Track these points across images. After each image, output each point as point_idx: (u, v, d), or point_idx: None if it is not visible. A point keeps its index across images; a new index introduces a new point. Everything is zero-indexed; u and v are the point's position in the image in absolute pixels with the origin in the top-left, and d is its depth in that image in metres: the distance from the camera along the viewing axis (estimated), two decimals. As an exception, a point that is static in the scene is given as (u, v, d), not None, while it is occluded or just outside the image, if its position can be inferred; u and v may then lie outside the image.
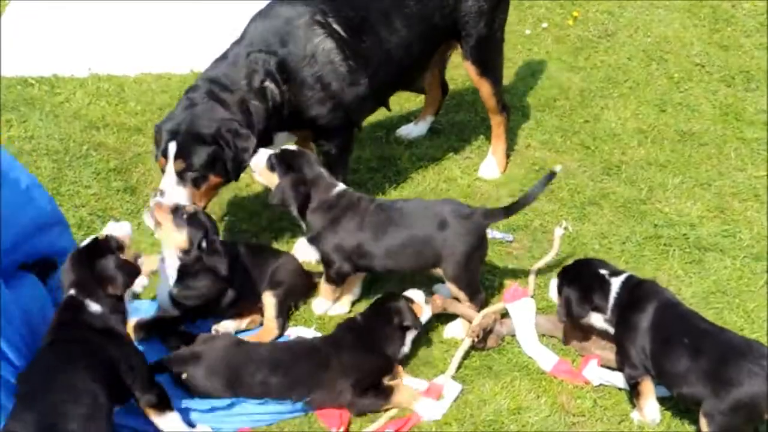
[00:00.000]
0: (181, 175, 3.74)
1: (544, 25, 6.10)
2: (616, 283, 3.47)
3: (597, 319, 3.50)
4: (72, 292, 3.17)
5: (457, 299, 3.78)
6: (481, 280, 3.87)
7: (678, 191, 4.63)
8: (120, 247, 3.35)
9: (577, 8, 6.29)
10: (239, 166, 3.84)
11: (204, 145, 3.76)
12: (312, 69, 4.01)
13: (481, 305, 3.76)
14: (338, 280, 3.83)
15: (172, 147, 3.73)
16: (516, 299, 3.67)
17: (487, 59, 4.57)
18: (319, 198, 3.75)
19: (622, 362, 3.40)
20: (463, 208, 3.76)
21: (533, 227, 4.35)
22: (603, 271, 3.53)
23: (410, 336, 3.60)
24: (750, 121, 5.20)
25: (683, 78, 5.59)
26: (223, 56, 4.01)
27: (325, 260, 3.80)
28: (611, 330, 3.48)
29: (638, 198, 4.58)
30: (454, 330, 3.75)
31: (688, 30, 6.10)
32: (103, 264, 3.21)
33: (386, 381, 3.51)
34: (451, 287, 3.77)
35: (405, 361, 3.62)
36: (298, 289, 3.92)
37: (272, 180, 3.77)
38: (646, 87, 5.50)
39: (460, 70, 5.00)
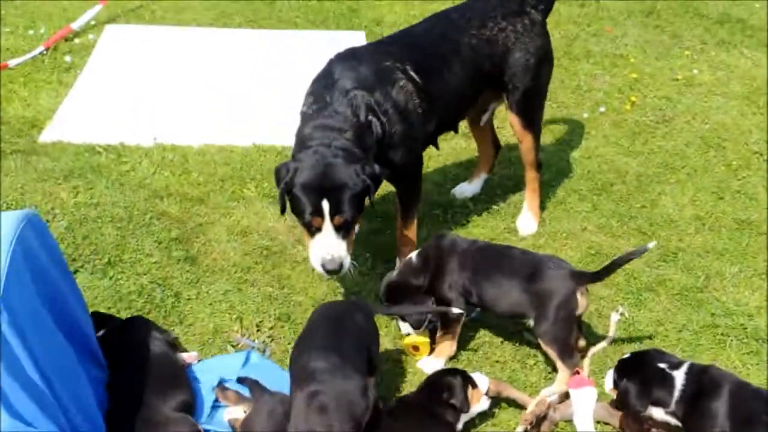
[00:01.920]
0: (338, 228, 3.84)
1: (602, 109, 6.14)
2: (679, 376, 3.43)
3: (657, 413, 3.46)
4: None
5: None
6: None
7: (736, 280, 4.60)
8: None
9: (635, 93, 6.34)
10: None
11: (352, 194, 3.82)
12: (399, 108, 4.17)
13: (573, 368, 3.77)
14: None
15: (326, 205, 3.78)
16: (581, 386, 3.64)
17: (532, 112, 4.77)
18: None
19: None
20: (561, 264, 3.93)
21: (589, 312, 4.31)
22: (662, 365, 3.48)
23: (463, 417, 3.56)
24: (810, 212, 5.18)
25: (741, 166, 5.58)
26: (323, 103, 4.06)
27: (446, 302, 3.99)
28: (673, 421, 3.44)
29: (695, 286, 4.54)
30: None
31: (747, 118, 6.11)
32: None
33: None
34: (541, 341, 3.86)
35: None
36: None
37: None
38: (704, 174, 5.49)
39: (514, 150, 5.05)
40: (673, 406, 3.41)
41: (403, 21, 7.25)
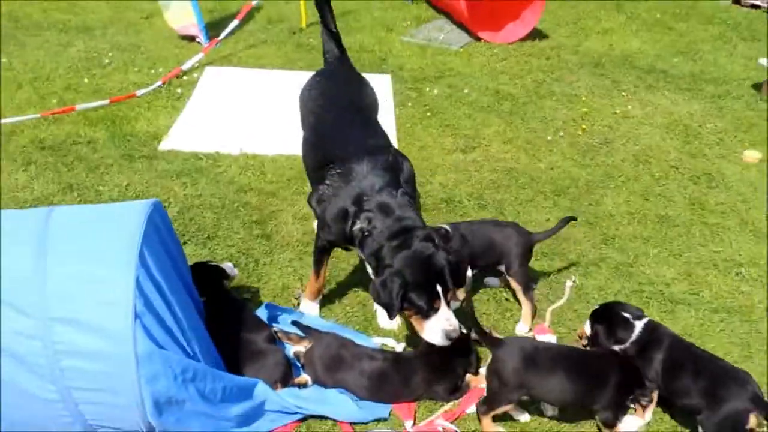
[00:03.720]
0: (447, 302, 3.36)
1: (561, 133, 6.11)
2: (639, 325, 3.44)
3: (616, 348, 3.48)
4: None
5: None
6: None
7: (657, 259, 4.59)
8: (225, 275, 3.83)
9: (586, 122, 6.31)
10: None
11: (451, 270, 3.35)
12: (413, 188, 3.74)
13: (532, 298, 3.96)
14: None
15: (440, 289, 3.28)
16: (543, 333, 3.67)
17: None
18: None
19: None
20: (520, 228, 4.10)
21: (550, 280, 4.34)
22: (627, 315, 3.49)
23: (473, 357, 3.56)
24: (711, 210, 5.15)
25: (662, 176, 5.55)
26: (384, 213, 3.43)
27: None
28: None
29: (627, 262, 4.54)
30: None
31: (666, 141, 6.08)
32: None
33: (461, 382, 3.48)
34: (510, 280, 3.99)
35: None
36: None
37: None
38: (635, 182, 5.47)
39: (498, 154, 5.02)
40: (628, 345, 3.42)
41: (417, 68, 7.25)
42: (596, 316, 3.56)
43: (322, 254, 3.85)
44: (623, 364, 3.30)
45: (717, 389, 3.12)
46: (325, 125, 3.95)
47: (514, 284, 3.98)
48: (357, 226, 3.48)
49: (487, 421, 3.22)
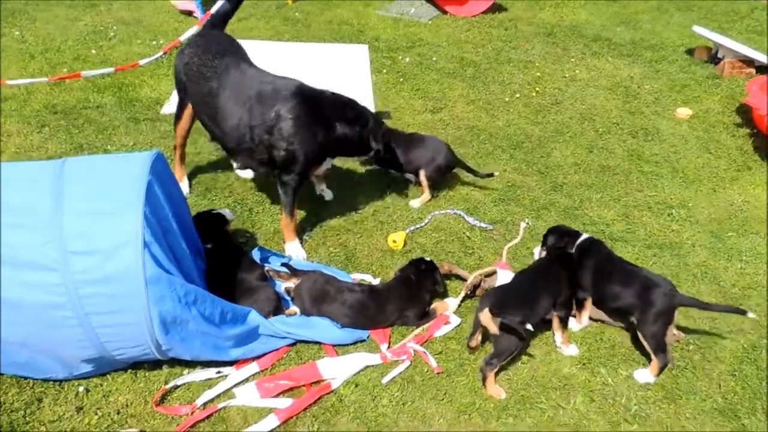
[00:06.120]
0: None
1: (517, 95, 6.12)
2: (583, 236, 3.60)
3: None
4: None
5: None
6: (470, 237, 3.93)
7: (599, 203, 4.66)
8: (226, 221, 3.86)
9: (539, 85, 6.31)
10: None
11: None
12: None
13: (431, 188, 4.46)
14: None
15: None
16: (502, 268, 3.71)
17: None
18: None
19: (577, 286, 3.47)
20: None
21: (506, 221, 4.39)
22: (574, 231, 3.67)
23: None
24: (647, 160, 5.20)
25: (604, 132, 5.59)
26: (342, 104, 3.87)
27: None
28: None
29: (573, 206, 4.60)
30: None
31: (609, 101, 6.11)
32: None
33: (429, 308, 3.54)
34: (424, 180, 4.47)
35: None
36: None
37: None
38: (581, 136, 5.51)
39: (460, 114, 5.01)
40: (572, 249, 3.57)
41: (391, 38, 7.18)
42: (549, 231, 3.72)
43: (297, 194, 3.91)
44: (564, 264, 3.46)
45: (647, 293, 3.26)
46: (244, 83, 3.77)
47: (425, 183, 4.46)
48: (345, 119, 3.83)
49: (491, 377, 3.13)
